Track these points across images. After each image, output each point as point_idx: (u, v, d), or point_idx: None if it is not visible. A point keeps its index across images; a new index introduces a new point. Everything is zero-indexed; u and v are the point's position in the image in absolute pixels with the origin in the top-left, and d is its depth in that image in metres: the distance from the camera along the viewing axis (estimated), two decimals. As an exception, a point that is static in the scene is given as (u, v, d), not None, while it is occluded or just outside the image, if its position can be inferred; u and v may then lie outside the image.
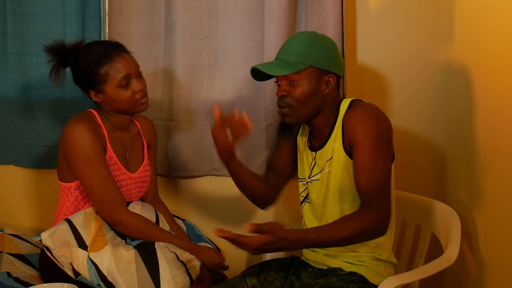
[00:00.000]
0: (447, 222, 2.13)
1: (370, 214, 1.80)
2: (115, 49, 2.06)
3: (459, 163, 2.40)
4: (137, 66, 2.09)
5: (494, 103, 2.11)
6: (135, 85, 2.06)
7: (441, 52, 2.47)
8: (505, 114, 2.02)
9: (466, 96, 2.33)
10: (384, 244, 2.02)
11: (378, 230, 1.84)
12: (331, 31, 2.34)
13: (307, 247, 1.88)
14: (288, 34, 2.35)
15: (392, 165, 1.99)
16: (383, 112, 1.93)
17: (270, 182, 2.22)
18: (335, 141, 1.97)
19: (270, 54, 2.36)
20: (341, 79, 2.35)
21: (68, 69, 2.13)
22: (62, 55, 2.08)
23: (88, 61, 2.03)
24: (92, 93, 2.08)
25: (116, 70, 2.03)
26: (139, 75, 2.10)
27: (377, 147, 1.84)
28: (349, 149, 1.93)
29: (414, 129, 2.54)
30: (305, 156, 2.11)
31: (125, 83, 2.04)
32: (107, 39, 2.38)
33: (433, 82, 2.51)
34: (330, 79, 1.95)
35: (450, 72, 2.47)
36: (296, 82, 1.92)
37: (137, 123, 2.26)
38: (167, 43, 2.45)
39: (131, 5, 2.42)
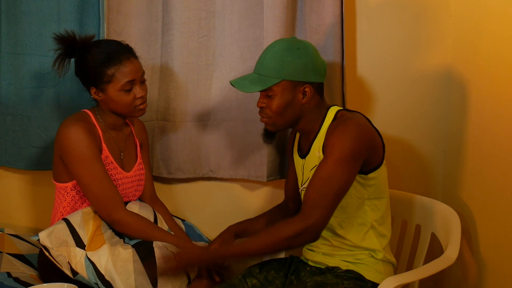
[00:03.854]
0: (447, 222, 2.13)
1: (299, 226, 1.84)
2: (125, 52, 2.06)
3: (459, 163, 2.40)
4: (143, 72, 2.10)
5: (493, 105, 2.12)
6: (137, 91, 2.07)
7: (441, 54, 2.48)
8: (505, 115, 2.03)
9: (466, 97, 2.34)
10: (380, 244, 2.02)
11: (303, 240, 1.87)
12: (330, 31, 2.34)
13: (230, 260, 2.05)
14: (287, 33, 2.35)
15: (383, 167, 2.01)
16: (364, 127, 1.94)
17: (291, 208, 2.28)
18: (318, 149, 2.00)
19: (269, 53, 2.35)
20: (340, 81, 2.37)
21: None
22: (71, 46, 2.08)
23: (96, 58, 2.03)
24: (93, 90, 2.07)
25: (123, 74, 2.03)
26: (142, 82, 2.10)
27: (339, 161, 1.86)
28: None
29: (414, 130, 2.54)
30: (297, 166, 2.14)
31: (128, 88, 2.05)
32: (105, 38, 2.36)
33: (433, 82, 2.51)
34: (307, 89, 1.96)
35: (450, 73, 2.47)
36: (272, 95, 1.95)
37: (129, 123, 2.27)
38: (164, 42, 2.43)
39: (129, 4, 2.40)
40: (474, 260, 2.24)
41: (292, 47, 1.96)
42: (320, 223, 1.85)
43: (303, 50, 1.97)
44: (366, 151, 1.91)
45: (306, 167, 2.06)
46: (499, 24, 2.09)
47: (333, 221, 1.99)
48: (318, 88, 2.00)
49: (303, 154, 2.08)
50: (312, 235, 1.86)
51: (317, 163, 1.97)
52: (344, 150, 1.85)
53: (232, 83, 2.02)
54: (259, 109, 2.41)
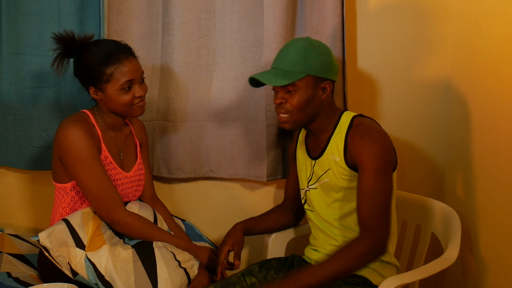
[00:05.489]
0: (447, 222, 2.13)
1: (367, 241, 1.85)
2: (124, 52, 2.06)
3: (459, 163, 2.40)
4: (142, 72, 2.10)
5: (494, 104, 2.12)
6: (136, 90, 2.07)
7: (441, 54, 2.48)
8: (506, 115, 2.03)
9: (466, 96, 2.34)
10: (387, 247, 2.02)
11: (376, 253, 1.87)
12: (331, 31, 2.34)
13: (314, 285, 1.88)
14: (287, 33, 2.36)
15: (396, 171, 2.03)
16: (385, 133, 1.98)
17: (293, 208, 2.29)
18: (335, 154, 2.00)
19: (269, 53, 2.37)
20: (341, 83, 2.39)
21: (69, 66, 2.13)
22: (69, 46, 2.07)
23: (95, 58, 2.03)
24: (92, 90, 2.07)
25: (122, 73, 2.03)
26: (142, 81, 2.10)
27: (381, 171, 1.89)
28: (352, 164, 1.97)
29: (414, 129, 2.55)
30: (304, 166, 2.14)
31: (127, 87, 2.05)
32: (105, 38, 2.36)
33: (433, 82, 2.52)
34: (327, 85, 1.99)
35: (450, 73, 2.48)
36: (293, 90, 1.95)
37: (129, 123, 2.27)
38: (165, 42, 2.43)
39: (130, 4, 2.40)
40: (474, 260, 2.24)
41: (313, 44, 1.99)
42: (385, 235, 1.87)
43: (323, 47, 2.01)
44: (394, 156, 1.97)
45: (317, 168, 2.06)
46: (499, 24, 2.08)
47: (347, 222, 2.01)
48: (333, 86, 2.03)
49: (314, 156, 2.08)
50: (382, 249, 1.87)
51: (332, 167, 2.00)
52: (382, 160, 1.89)
53: (255, 77, 2.00)
54: (258, 108, 2.44)
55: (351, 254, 1.84)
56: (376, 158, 1.89)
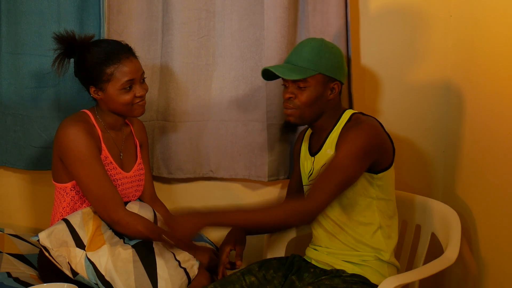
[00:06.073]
0: (447, 222, 2.13)
1: (300, 206, 1.91)
2: (124, 52, 2.06)
3: (459, 163, 2.40)
4: (142, 72, 2.11)
5: (493, 104, 2.13)
6: (137, 90, 2.07)
7: (442, 54, 2.49)
8: (505, 115, 2.04)
9: (465, 97, 2.34)
10: (386, 245, 2.04)
11: (298, 221, 1.94)
12: (335, 32, 2.35)
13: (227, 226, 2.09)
14: (289, 33, 2.36)
15: (392, 170, 2.05)
16: (377, 129, 2.00)
17: None
18: (330, 148, 2.04)
19: (269, 53, 2.37)
20: (347, 83, 2.40)
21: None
22: (70, 46, 2.08)
23: (95, 57, 2.03)
24: (92, 89, 2.07)
25: (122, 73, 2.03)
26: (142, 81, 2.11)
27: (350, 155, 1.92)
28: None
29: (414, 130, 2.55)
30: (305, 162, 2.17)
31: (128, 87, 2.05)
32: (105, 38, 2.36)
33: (434, 82, 2.52)
34: (335, 86, 2.05)
35: (450, 73, 2.48)
36: (303, 87, 2.01)
37: (129, 123, 2.27)
38: (164, 42, 2.43)
39: (130, 4, 2.40)
40: (474, 260, 2.24)
41: (327, 45, 2.06)
42: (319, 206, 1.90)
43: (336, 49, 2.08)
44: (376, 151, 1.97)
45: (316, 164, 2.09)
46: (499, 24, 2.09)
47: (343, 218, 2.03)
48: (341, 88, 2.08)
49: (314, 152, 2.12)
50: (309, 215, 1.91)
51: (328, 161, 2.01)
52: (355, 145, 1.92)
53: (268, 69, 2.07)
54: (258, 108, 2.43)
55: (282, 209, 1.93)
56: (350, 143, 1.93)
